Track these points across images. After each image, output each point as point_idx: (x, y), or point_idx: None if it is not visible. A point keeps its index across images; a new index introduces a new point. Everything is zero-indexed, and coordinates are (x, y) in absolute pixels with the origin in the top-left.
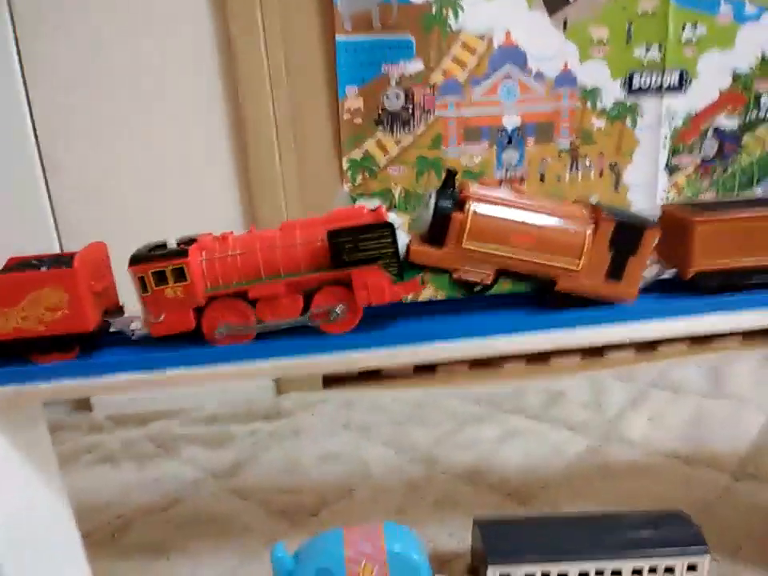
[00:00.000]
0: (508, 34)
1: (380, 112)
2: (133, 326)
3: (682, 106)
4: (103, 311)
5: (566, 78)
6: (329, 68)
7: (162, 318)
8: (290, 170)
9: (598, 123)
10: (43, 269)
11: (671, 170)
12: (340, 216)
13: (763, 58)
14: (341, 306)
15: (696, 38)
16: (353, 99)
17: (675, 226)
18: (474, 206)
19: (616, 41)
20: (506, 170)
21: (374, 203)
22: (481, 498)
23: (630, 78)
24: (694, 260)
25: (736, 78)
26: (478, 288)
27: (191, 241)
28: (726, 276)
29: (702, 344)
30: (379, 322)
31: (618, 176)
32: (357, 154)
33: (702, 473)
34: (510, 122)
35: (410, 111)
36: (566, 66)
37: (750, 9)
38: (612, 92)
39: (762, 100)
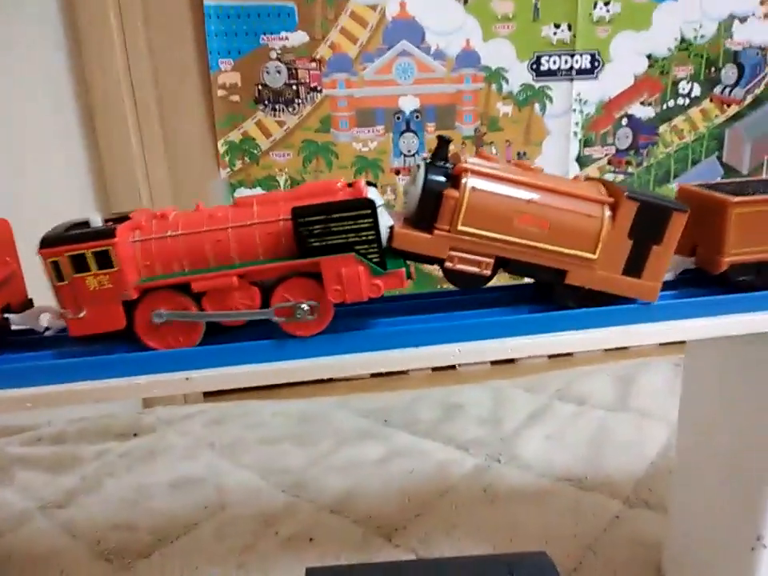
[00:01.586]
0: (403, 5)
1: (260, 89)
2: (44, 320)
3: (593, 91)
4: (3, 306)
5: (469, 58)
6: (198, 37)
7: (82, 313)
8: (155, 152)
9: (505, 108)
10: None
11: (583, 161)
12: (309, 191)
13: (682, 40)
14: (308, 302)
15: (609, 18)
16: (228, 74)
17: (702, 209)
18: (472, 182)
19: (522, 18)
20: (404, 158)
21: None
22: (345, 531)
23: (538, 60)
24: (727, 249)
25: (653, 62)
26: (473, 280)
27: (123, 219)
28: (761, 268)
29: (618, 350)
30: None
31: None
32: (235, 136)
33: (593, 499)
34: (408, 104)
35: (295, 89)
36: (467, 43)
37: None
38: (519, 74)
39: (681, 86)
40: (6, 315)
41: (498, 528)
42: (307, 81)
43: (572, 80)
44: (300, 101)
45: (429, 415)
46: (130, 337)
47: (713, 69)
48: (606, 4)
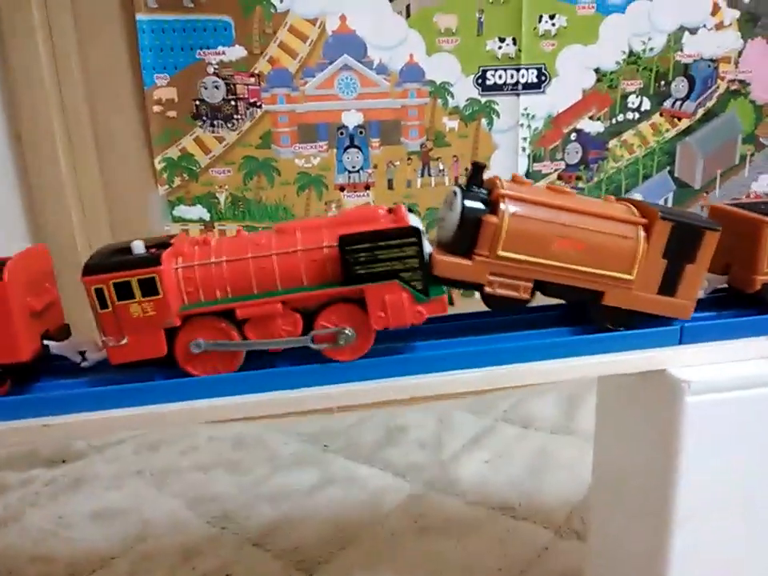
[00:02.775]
0: (343, 18)
1: (197, 104)
2: (83, 350)
3: (541, 106)
4: (42, 334)
5: (413, 72)
6: (132, 52)
7: (124, 340)
8: (88, 171)
9: (451, 123)
10: None
11: (532, 176)
12: (351, 218)
13: (631, 54)
14: (350, 328)
15: (555, 31)
16: (163, 89)
17: (735, 228)
18: (511, 207)
19: (466, 32)
20: (349, 174)
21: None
22: (263, 567)
23: (484, 74)
24: (761, 268)
25: (600, 76)
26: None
27: (164, 244)
28: None
29: None
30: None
31: None
32: (173, 153)
33: (524, 528)
34: (351, 119)
35: (233, 104)
36: (411, 57)
37: None
38: (464, 89)
39: (630, 100)
40: (45, 342)
41: (425, 561)
42: (246, 96)
43: (518, 94)
44: (239, 116)
45: (370, 439)
46: (168, 364)
47: (663, 82)
48: (552, 18)
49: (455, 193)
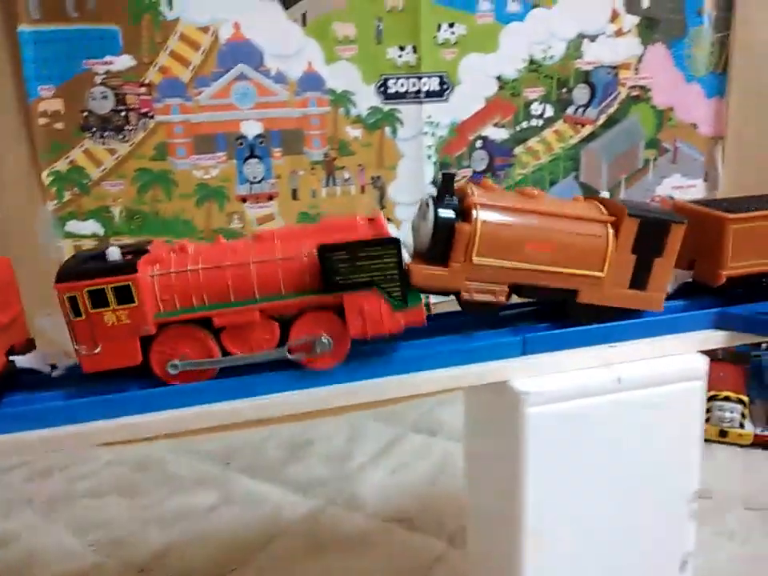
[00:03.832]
0: (237, 26)
1: (86, 116)
2: (52, 362)
3: (445, 114)
4: (8, 349)
5: (312, 80)
6: (15, 64)
7: (98, 349)
8: None
9: (354, 132)
10: None
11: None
12: (331, 227)
13: (531, 62)
14: (326, 336)
15: (455, 40)
16: (49, 101)
17: (699, 225)
18: (482, 214)
19: (365, 40)
20: (251, 185)
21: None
22: None
23: (385, 83)
24: (725, 263)
25: (503, 83)
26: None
27: (140, 251)
28: (756, 281)
29: None
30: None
31: (382, 191)
32: (62, 166)
33: (420, 540)
34: (251, 129)
35: (124, 115)
36: (310, 66)
37: (512, 7)
38: (366, 97)
39: (533, 108)
40: (11, 358)
41: None
42: (137, 106)
43: (421, 102)
44: (131, 127)
45: (275, 455)
46: (143, 373)
47: (564, 89)
48: (451, 26)
49: (428, 203)
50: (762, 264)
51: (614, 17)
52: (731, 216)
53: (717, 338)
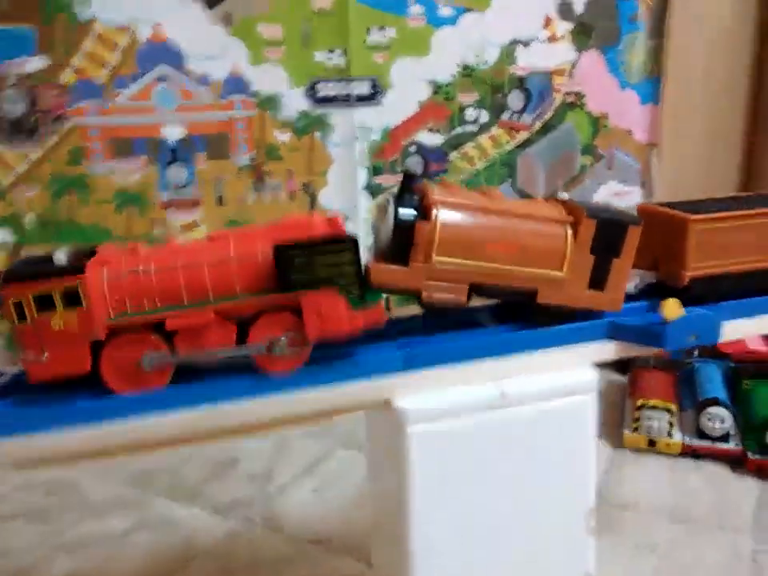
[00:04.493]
0: (157, 27)
1: None
2: None
3: (377, 118)
4: None
5: (237, 83)
6: None
7: (44, 356)
8: None
9: (283, 137)
10: None
11: (373, 190)
12: (286, 226)
13: (465, 67)
14: (285, 337)
15: (386, 43)
16: None
17: (662, 226)
18: (442, 214)
19: (292, 42)
20: (174, 191)
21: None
22: None
23: (314, 86)
24: (689, 264)
25: (436, 88)
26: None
27: (89, 253)
28: (719, 281)
29: None
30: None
31: (313, 198)
32: None
33: (335, 563)
34: (172, 133)
35: (37, 118)
36: (235, 68)
37: (444, 11)
38: (295, 101)
39: (467, 113)
40: None
41: None
42: (51, 109)
43: (352, 107)
44: (44, 131)
45: (196, 476)
46: (91, 381)
47: (499, 95)
48: (381, 29)
49: (387, 201)
50: (725, 265)
51: (548, 23)
52: (693, 217)
53: (609, 350)
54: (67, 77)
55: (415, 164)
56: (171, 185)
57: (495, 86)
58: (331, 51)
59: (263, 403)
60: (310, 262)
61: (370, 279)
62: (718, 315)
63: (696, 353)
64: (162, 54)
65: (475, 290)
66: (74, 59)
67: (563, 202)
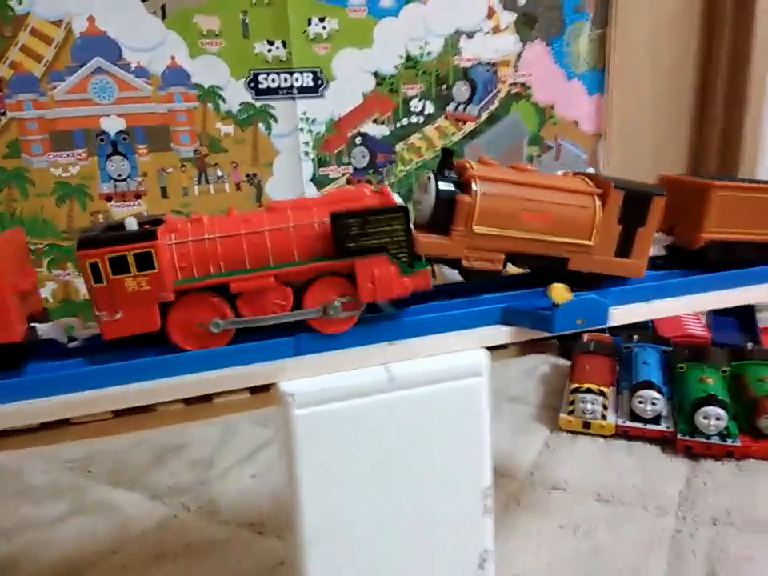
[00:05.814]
0: (92, 20)
1: None
2: (68, 332)
3: (321, 110)
4: (29, 317)
5: (177, 75)
6: None
7: (118, 315)
8: None
9: (226, 128)
10: None
11: (319, 181)
12: (340, 197)
13: (408, 58)
14: (339, 299)
15: (327, 35)
16: None
17: (683, 193)
18: (481, 187)
19: (231, 34)
20: (115, 183)
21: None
22: None
23: (256, 78)
24: (706, 227)
25: (380, 79)
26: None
27: (156, 221)
28: (733, 248)
29: None
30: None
31: (259, 189)
32: None
33: (268, 544)
34: (112, 125)
35: None
36: (173, 60)
37: (385, 2)
38: (236, 93)
39: (413, 104)
40: (32, 324)
41: None
42: None
43: (294, 98)
44: None
45: (140, 462)
46: (158, 340)
47: (444, 86)
48: (322, 20)
49: (429, 177)
50: (738, 233)
51: (491, 13)
52: (717, 183)
53: (501, 334)
54: (3, 71)
55: (361, 155)
56: (112, 177)
57: (440, 77)
58: (271, 43)
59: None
60: (364, 229)
61: (416, 249)
62: (605, 300)
63: (636, 338)
64: (97, 47)
65: (510, 258)
66: (9, 53)
67: (590, 176)
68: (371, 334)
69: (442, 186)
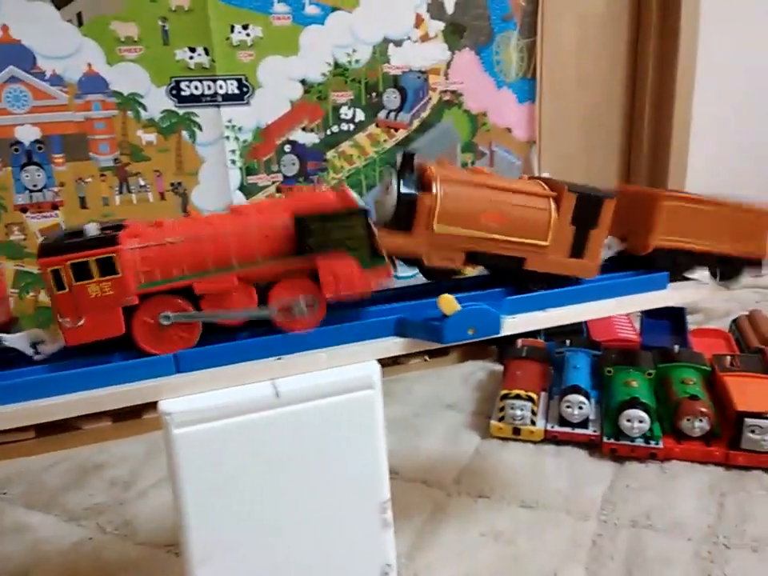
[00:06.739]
0: (5, 29)
1: None
2: (37, 341)
3: (247, 118)
4: None
5: (94, 83)
6: None
7: (82, 321)
8: None
9: (147, 137)
10: None
11: (248, 190)
12: (301, 199)
13: (337, 65)
14: (305, 298)
15: (251, 42)
16: None
17: (637, 202)
18: (442, 187)
19: (150, 41)
20: (30, 194)
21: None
22: None
23: (178, 85)
24: (654, 235)
25: (308, 87)
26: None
27: (117, 227)
28: (677, 256)
29: None
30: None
31: (185, 198)
32: None
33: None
34: (26, 134)
35: None
36: (90, 68)
37: (310, 9)
38: (158, 100)
39: (342, 112)
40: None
41: None
42: None
43: (219, 106)
44: None
45: (57, 482)
46: (124, 344)
47: (374, 94)
48: (245, 28)
49: (390, 176)
50: (684, 242)
51: (419, 22)
52: (665, 193)
53: (395, 346)
54: None
55: (291, 163)
56: (27, 187)
57: (369, 84)
58: (193, 50)
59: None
60: (325, 228)
61: (377, 247)
62: (496, 309)
63: (568, 342)
64: (11, 55)
65: (470, 257)
66: None
67: (544, 180)
68: (259, 349)
69: (405, 186)
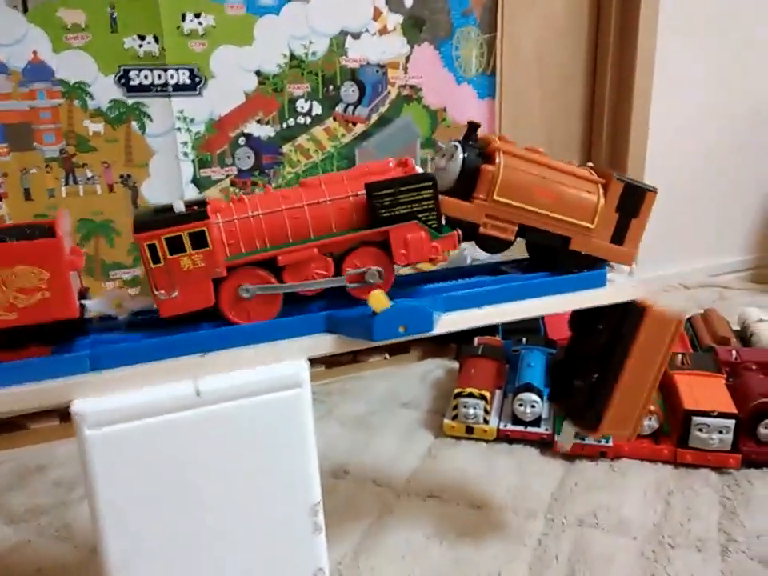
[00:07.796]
0: None
1: None
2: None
3: (199, 109)
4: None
5: (39, 71)
6: None
7: (175, 293)
8: None
9: (95, 127)
10: (10, 240)
11: (201, 183)
12: (368, 170)
13: (293, 57)
14: (376, 267)
15: (203, 31)
16: None
17: None
18: (505, 159)
19: (98, 28)
20: None
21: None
22: None
23: (126, 74)
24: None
25: (263, 78)
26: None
27: (201, 203)
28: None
29: None
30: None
31: (135, 190)
32: None
33: None
34: None
35: None
36: (35, 55)
37: (265, 0)
38: (106, 89)
39: (299, 105)
40: (82, 302)
41: None
42: None
43: (170, 96)
44: None
45: (0, 482)
46: (210, 316)
47: (331, 87)
48: (197, 16)
49: (455, 146)
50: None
51: (377, 15)
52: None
53: (325, 343)
54: None
55: (246, 156)
56: None
57: (327, 77)
58: (142, 38)
59: None
60: (396, 199)
61: (440, 209)
62: (430, 306)
63: (525, 340)
64: None
65: (520, 231)
66: None
67: (594, 167)
68: (182, 345)
69: (470, 155)
